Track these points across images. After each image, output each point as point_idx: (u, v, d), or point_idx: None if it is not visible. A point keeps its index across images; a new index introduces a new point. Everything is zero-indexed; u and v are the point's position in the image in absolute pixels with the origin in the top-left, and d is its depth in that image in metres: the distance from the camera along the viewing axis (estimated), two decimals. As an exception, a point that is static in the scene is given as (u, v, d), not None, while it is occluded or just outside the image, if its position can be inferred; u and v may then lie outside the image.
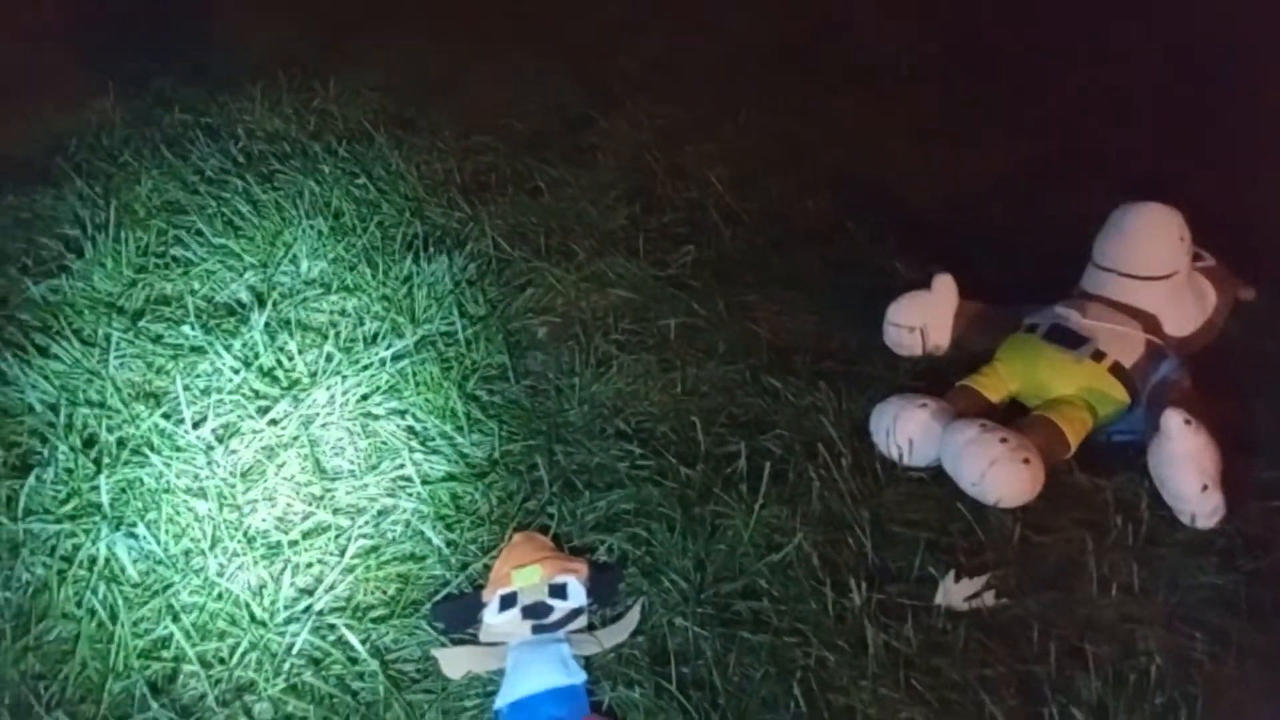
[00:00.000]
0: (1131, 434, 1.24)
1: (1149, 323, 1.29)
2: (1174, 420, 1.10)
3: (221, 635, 1.03)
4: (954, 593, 1.04)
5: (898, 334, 1.40)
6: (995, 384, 1.29)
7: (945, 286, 1.40)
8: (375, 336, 1.50)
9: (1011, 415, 1.24)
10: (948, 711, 0.93)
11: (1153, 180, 1.36)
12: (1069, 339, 1.27)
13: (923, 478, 1.21)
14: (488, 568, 1.12)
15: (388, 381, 1.40)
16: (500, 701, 0.96)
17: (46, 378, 1.38)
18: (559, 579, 1.07)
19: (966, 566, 1.07)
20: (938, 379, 1.33)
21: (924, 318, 1.39)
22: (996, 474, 1.12)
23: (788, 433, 1.27)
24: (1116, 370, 1.24)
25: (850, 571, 1.06)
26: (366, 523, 1.18)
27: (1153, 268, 1.30)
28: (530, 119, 2.15)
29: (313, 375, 1.41)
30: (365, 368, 1.42)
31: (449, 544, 1.15)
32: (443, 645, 1.03)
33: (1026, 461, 1.13)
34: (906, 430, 1.20)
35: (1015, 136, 1.94)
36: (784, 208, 1.80)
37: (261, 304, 1.55)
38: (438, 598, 1.08)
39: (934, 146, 1.93)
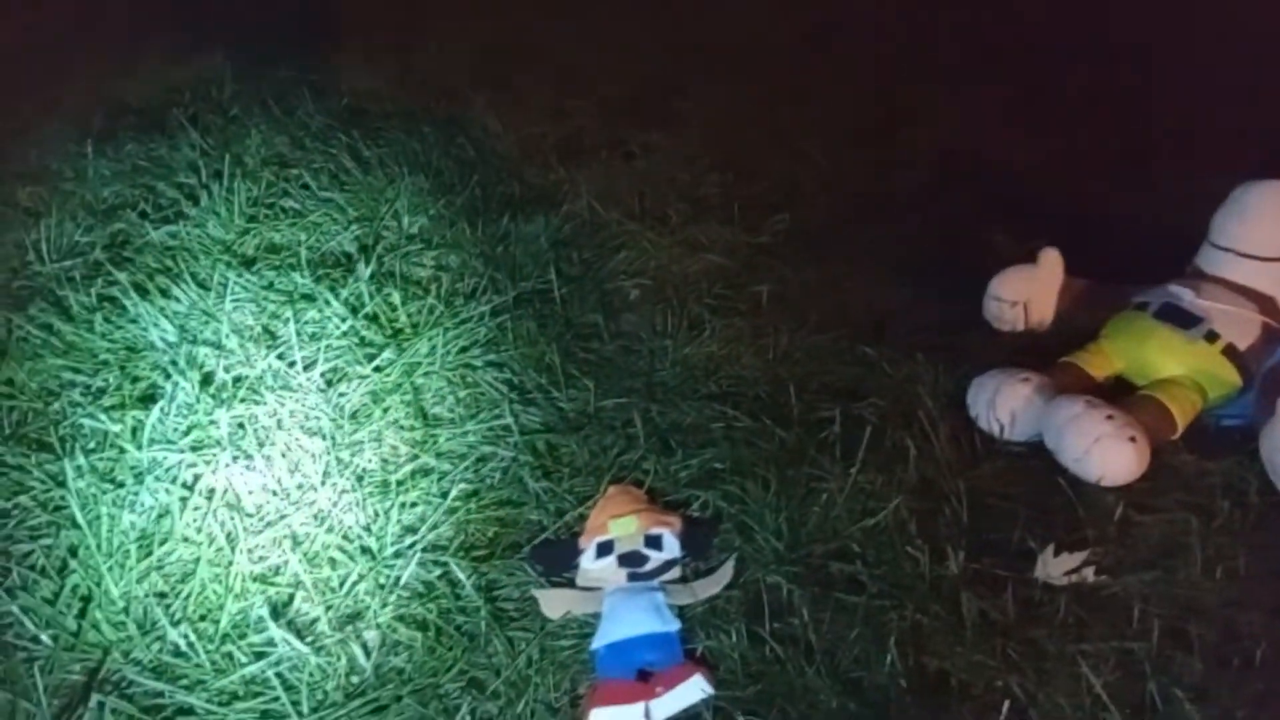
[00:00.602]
0: (1242, 418, 1.21)
1: (1266, 305, 1.25)
2: (1292, 404, 1.07)
3: (333, 564, 1.08)
4: (1053, 566, 1.03)
5: (999, 308, 1.38)
6: (1100, 362, 1.27)
7: (1051, 261, 1.37)
8: (475, 291, 1.53)
9: (1115, 395, 1.22)
10: (1044, 682, 0.92)
11: (1273, 160, 1.31)
12: (1181, 318, 1.24)
13: (1021, 452, 1.20)
14: (583, 516, 1.14)
15: (486, 335, 1.44)
16: (597, 642, 0.99)
17: (167, 317, 1.45)
18: (655, 530, 1.09)
19: (1066, 542, 1.05)
20: (1038, 356, 1.30)
21: (1028, 292, 1.37)
22: (1101, 451, 1.11)
23: (883, 401, 1.26)
24: (1230, 352, 1.21)
25: (946, 540, 1.06)
26: (467, 468, 1.21)
27: (1273, 248, 1.26)
28: (623, 84, 2.17)
29: (415, 326, 1.46)
30: (465, 321, 1.46)
31: (546, 492, 1.18)
32: (542, 587, 1.06)
33: (1132, 440, 1.11)
34: (1008, 404, 1.19)
35: (1128, 114, 1.88)
36: (881, 178, 1.78)
37: (366, 256, 1.59)
38: (536, 541, 1.11)
39: (1042, 122, 1.88)
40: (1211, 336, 1.22)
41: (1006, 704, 0.87)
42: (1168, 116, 1.85)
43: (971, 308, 1.41)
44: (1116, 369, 1.27)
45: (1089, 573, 1.03)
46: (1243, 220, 1.27)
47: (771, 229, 1.66)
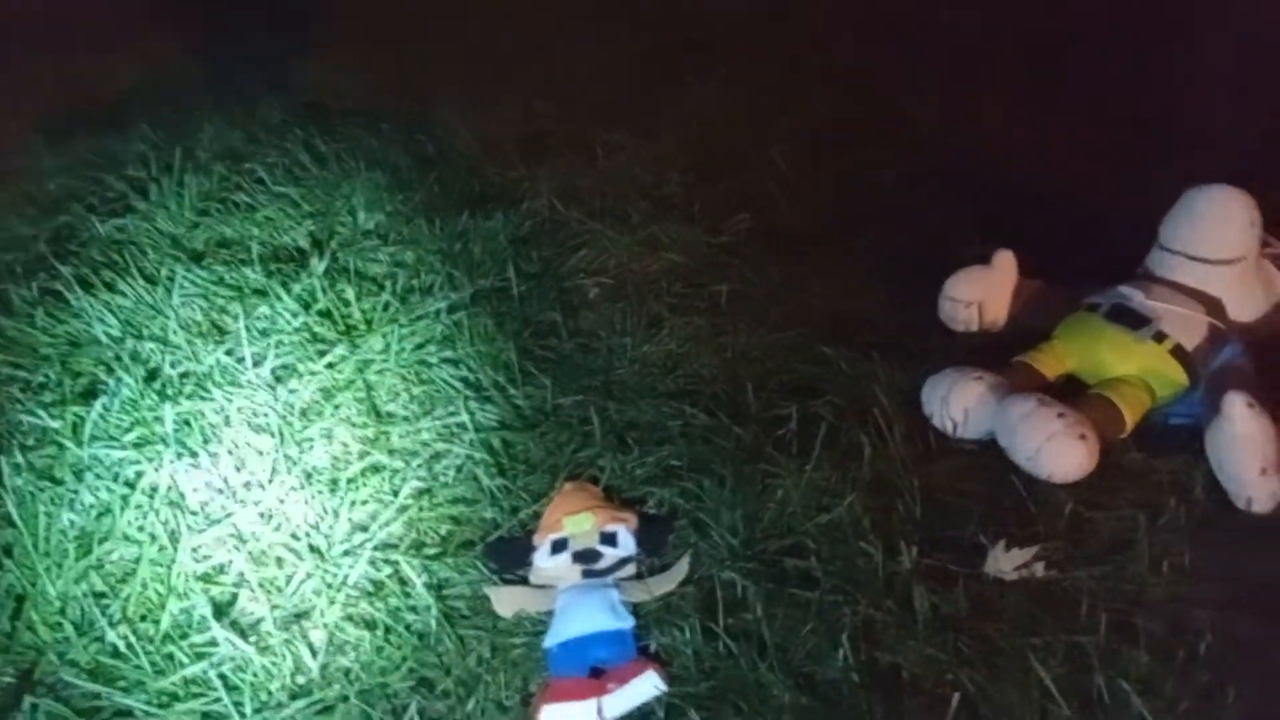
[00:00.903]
0: (1189, 417, 1.22)
1: (1214, 307, 1.27)
2: (1237, 402, 1.08)
3: (279, 563, 1.06)
4: (1003, 561, 1.03)
5: (954, 308, 1.39)
6: (1052, 361, 1.28)
7: (1005, 263, 1.39)
8: (431, 288, 1.52)
9: (1067, 394, 1.23)
10: (994, 675, 0.92)
11: (1224, 165, 1.33)
12: (1131, 319, 1.25)
13: (974, 450, 1.20)
14: (538, 514, 1.13)
15: (442, 332, 1.42)
16: (550, 641, 0.98)
17: (112, 311, 1.42)
18: (610, 527, 1.08)
19: (1017, 537, 1.06)
20: (992, 355, 1.31)
21: (982, 293, 1.38)
22: (1052, 448, 1.12)
23: (839, 399, 1.27)
24: (1178, 352, 1.23)
25: (900, 535, 1.06)
26: (420, 465, 1.20)
27: (1221, 251, 1.28)
28: (588, 84, 2.16)
29: (369, 322, 1.44)
30: (421, 318, 1.44)
31: (501, 489, 1.16)
32: (494, 584, 1.05)
33: (1083, 438, 1.12)
34: (961, 402, 1.20)
35: (1084, 117, 1.91)
36: (843, 182, 1.79)
37: (320, 251, 1.57)
38: (490, 539, 1.10)
39: (1001, 126, 1.91)
40: (1160, 337, 1.24)
41: (956, 696, 0.87)
42: (1137, 116, 1.87)
43: (930, 309, 1.42)
44: (1068, 368, 1.29)
45: (1039, 567, 1.04)
46: (1192, 224, 1.29)
47: (733, 229, 1.66)
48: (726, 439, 1.21)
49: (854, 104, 2.03)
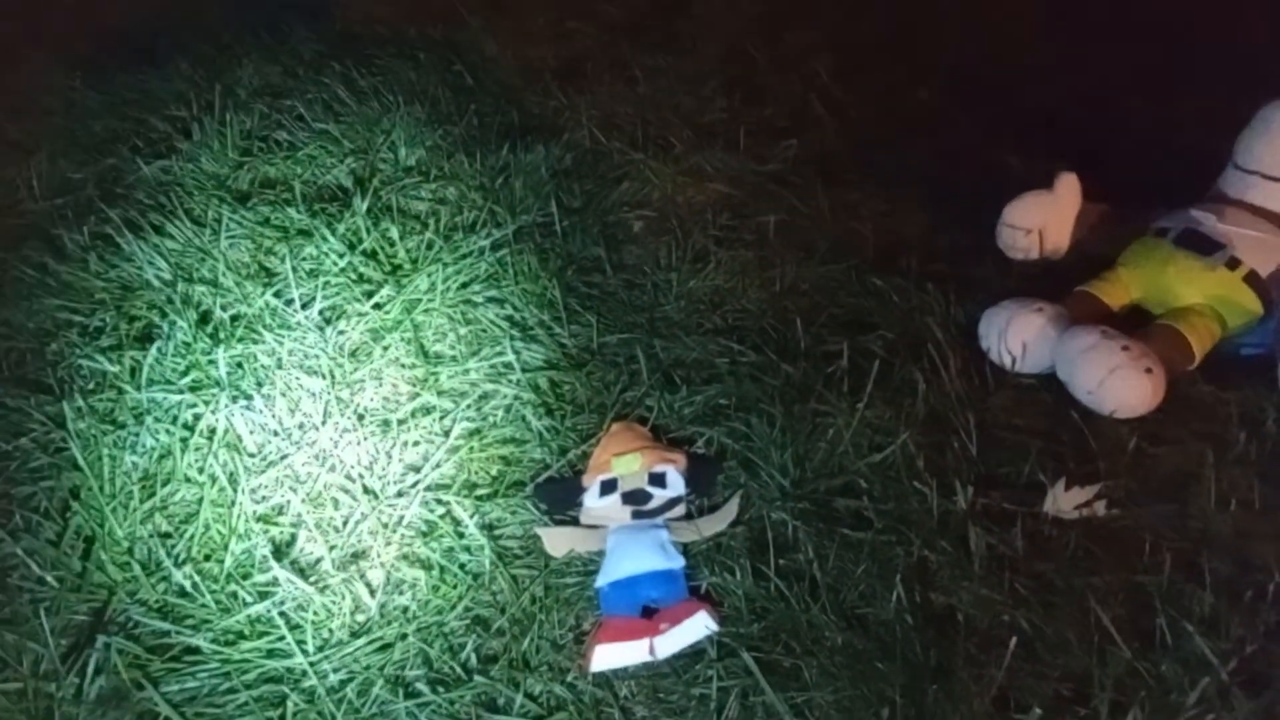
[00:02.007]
0: (1262, 347, 1.17)
1: (1293, 230, 1.21)
2: (1316, 333, 1.03)
3: (335, 504, 1.08)
4: (1063, 500, 1.01)
5: (1013, 236, 1.34)
6: (1117, 290, 1.23)
7: (1068, 186, 1.32)
8: (474, 225, 1.50)
9: (1132, 325, 1.19)
10: (1051, 616, 0.91)
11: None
12: (1202, 244, 1.20)
13: (1033, 384, 1.17)
14: (586, 454, 1.13)
15: (487, 270, 1.41)
16: (601, 580, 0.99)
17: (162, 255, 1.43)
18: (658, 468, 1.08)
19: (1077, 475, 1.04)
20: (1053, 284, 1.27)
21: (1043, 219, 1.32)
22: (1116, 383, 1.08)
23: (891, 334, 1.24)
24: (1252, 279, 1.17)
25: (955, 474, 1.04)
26: (469, 406, 1.20)
27: (1302, 171, 1.21)
28: (624, 4, 2.09)
29: (414, 262, 1.43)
30: (465, 256, 1.43)
31: (549, 429, 1.16)
32: (545, 525, 1.05)
33: (1148, 371, 1.08)
34: (1020, 335, 1.16)
35: (1150, 27, 1.80)
36: (893, 99, 1.72)
37: (362, 190, 1.56)
38: (539, 479, 1.10)
39: (1058, 36, 1.81)
40: (1233, 263, 1.18)
41: (1014, 639, 0.86)
42: (1195, 31, 1.76)
43: (984, 235, 1.37)
44: (1134, 298, 1.23)
45: (1100, 506, 1.01)
46: (1270, 141, 1.22)
47: (779, 156, 1.61)
48: (775, 377, 1.19)
49: (896, 13, 1.94)
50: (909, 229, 1.43)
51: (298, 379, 1.22)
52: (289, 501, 1.08)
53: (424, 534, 1.05)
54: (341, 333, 1.30)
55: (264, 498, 1.09)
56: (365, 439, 1.15)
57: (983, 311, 1.22)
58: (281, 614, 0.96)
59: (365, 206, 1.51)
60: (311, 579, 1.00)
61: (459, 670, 0.92)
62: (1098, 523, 1.00)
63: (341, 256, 1.42)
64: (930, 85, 1.71)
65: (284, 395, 1.20)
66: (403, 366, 1.26)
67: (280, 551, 1.03)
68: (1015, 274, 1.33)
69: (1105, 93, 1.64)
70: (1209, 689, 0.84)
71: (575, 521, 1.07)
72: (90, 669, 0.92)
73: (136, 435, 1.16)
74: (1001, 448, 1.08)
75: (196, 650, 0.95)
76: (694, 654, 0.92)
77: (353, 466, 1.12)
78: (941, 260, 1.36)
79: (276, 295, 1.34)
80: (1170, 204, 1.27)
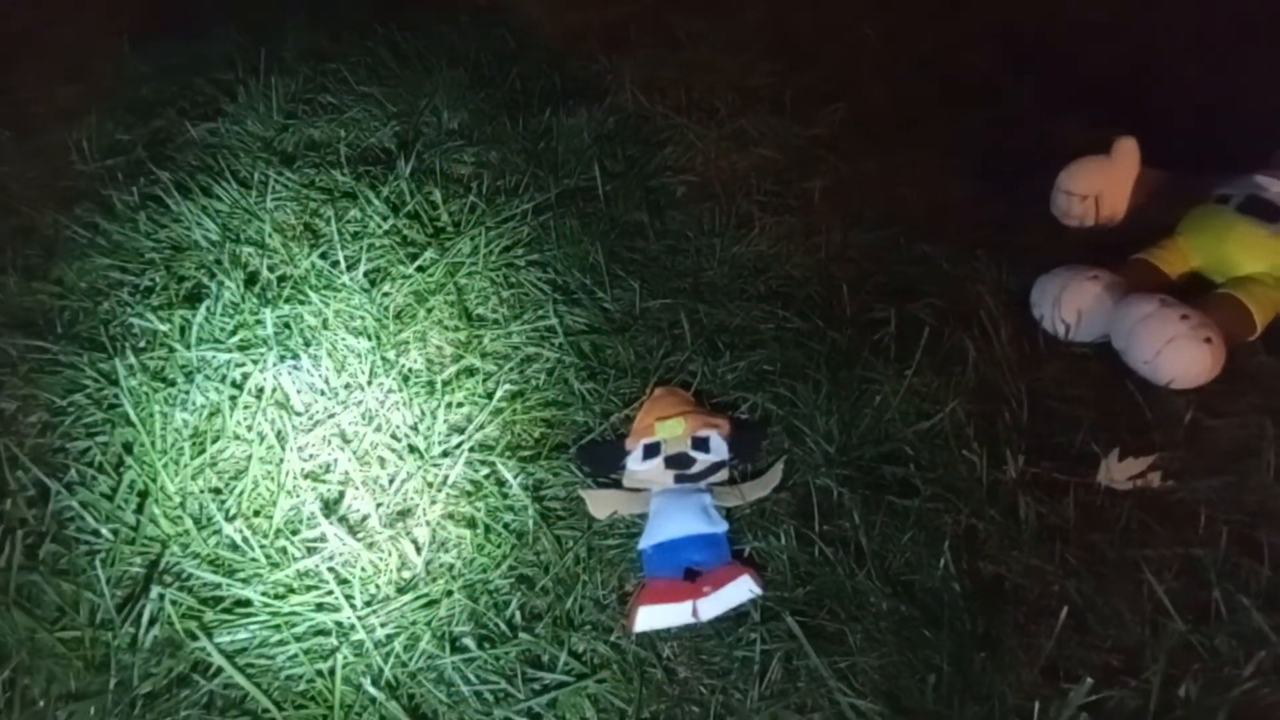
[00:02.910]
0: (1327, 319, 1.14)
1: (1362, 198, 1.16)
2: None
3: (382, 463, 1.09)
4: (1117, 471, 0.99)
5: (1068, 202, 1.30)
6: (1175, 259, 1.20)
7: (1127, 152, 1.29)
8: (516, 189, 1.49)
9: (1191, 294, 1.15)
10: (1103, 587, 0.90)
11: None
12: (1266, 211, 1.16)
13: (1086, 353, 1.15)
14: (629, 418, 1.13)
15: (529, 234, 1.40)
16: (644, 542, 0.99)
17: (210, 216, 1.44)
18: (702, 432, 1.07)
19: (1131, 446, 1.01)
20: (1108, 252, 1.24)
21: (1100, 185, 1.29)
22: (1174, 352, 1.05)
23: (940, 301, 1.21)
24: (1319, 248, 1.13)
25: (1005, 443, 1.02)
26: (512, 369, 1.20)
27: (1376, 135, 1.16)
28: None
29: (457, 225, 1.43)
30: (507, 220, 1.43)
31: (591, 393, 1.16)
32: (588, 487, 1.06)
33: (1208, 341, 1.05)
34: (1075, 303, 1.13)
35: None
36: (943, 63, 1.68)
37: (406, 153, 1.56)
38: (583, 442, 1.11)
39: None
40: (1299, 231, 1.14)
41: (1065, 610, 0.85)
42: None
43: (1038, 201, 1.34)
44: (1193, 266, 1.20)
45: (1155, 478, 0.99)
46: (1343, 104, 1.17)
47: (825, 120, 1.58)
48: (821, 343, 1.18)
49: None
50: (959, 195, 1.40)
51: (344, 339, 1.23)
52: (336, 460, 1.09)
53: (468, 494, 1.05)
54: (386, 294, 1.30)
55: (311, 455, 1.11)
56: (410, 400, 1.15)
57: (1035, 279, 1.19)
58: (330, 569, 0.98)
59: (409, 170, 1.51)
60: (359, 535, 1.02)
61: (504, 627, 0.93)
62: (1152, 494, 0.98)
63: (385, 219, 1.43)
64: (982, 49, 1.67)
65: (330, 355, 1.21)
66: (446, 329, 1.26)
67: (328, 508, 1.05)
68: (1069, 241, 1.29)
69: (1165, 57, 1.58)
70: (1264, 663, 0.82)
71: (618, 484, 1.07)
72: (145, 619, 0.95)
73: (187, 393, 1.18)
74: (1054, 417, 1.06)
75: (247, 603, 0.96)
76: (737, 617, 0.92)
77: (398, 426, 1.12)
78: (992, 227, 1.33)
79: (322, 257, 1.35)
80: (1231, 170, 1.23)
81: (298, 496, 1.06)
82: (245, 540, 1.01)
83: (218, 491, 1.08)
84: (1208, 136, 1.35)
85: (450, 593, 0.96)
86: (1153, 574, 0.90)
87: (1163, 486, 0.99)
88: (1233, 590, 0.88)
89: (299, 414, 1.15)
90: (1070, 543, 0.93)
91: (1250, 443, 1.03)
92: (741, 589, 0.92)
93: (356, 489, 1.06)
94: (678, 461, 1.06)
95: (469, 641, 0.91)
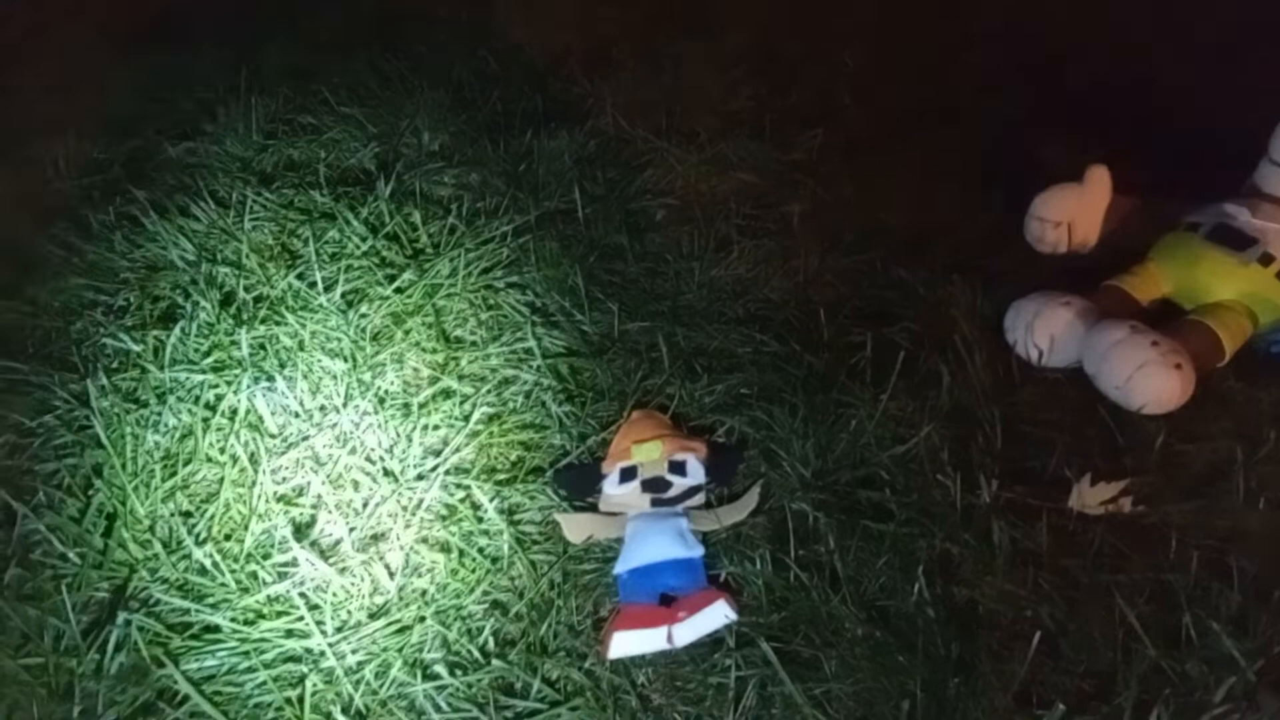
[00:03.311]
0: (1295, 346, 1.15)
1: (1328, 227, 1.18)
2: (1352, 331, 1.01)
3: (355, 486, 1.08)
4: (1089, 496, 1.00)
5: (1041, 229, 1.32)
6: (1146, 285, 1.21)
7: (1098, 179, 1.30)
8: (496, 211, 1.49)
9: (1161, 320, 1.17)
10: (1075, 612, 0.90)
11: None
12: (1235, 240, 1.17)
13: (1059, 379, 1.15)
14: (606, 441, 1.12)
15: (509, 256, 1.40)
16: (620, 568, 0.98)
17: (186, 236, 1.43)
18: (679, 456, 1.07)
19: (1104, 471, 1.02)
20: (1081, 278, 1.25)
21: (1072, 212, 1.30)
22: (1145, 378, 1.06)
23: (916, 326, 1.22)
24: (1286, 276, 1.15)
25: (979, 468, 1.03)
26: (489, 391, 1.20)
27: (1341, 166, 1.18)
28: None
29: (436, 246, 1.43)
30: (487, 241, 1.43)
31: (569, 416, 1.16)
32: (564, 511, 1.05)
33: (1178, 367, 1.07)
34: (1047, 328, 1.14)
35: (1185, 14, 1.76)
36: (921, 87, 1.70)
37: (386, 174, 1.56)
38: (559, 465, 1.10)
39: (1089, 21, 1.78)
40: (1267, 259, 1.16)
41: (1037, 634, 0.85)
42: (1254, 13, 1.72)
43: (1012, 225, 1.36)
44: (1164, 292, 1.22)
45: (1126, 503, 1.00)
46: (1307, 135, 1.19)
47: (805, 145, 1.59)
48: (798, 367, 1.18)
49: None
50: (936, 220, 1.41)
51: (319, 361, 1.23)
52: (309, 483, 1.08)
53: (443, 518, 1.05)
54: (363, 316, 1.30)
55: (284, 479, 1.10)
56: (386, 422, 1.15)
57: (1010, 304, 1.20)
58: (301, 594, 0.97)
59: (388, 191, 1.51)
60: (331, 560, 1.01)
61: (477, 654, 0.92)
62: (1124, 519, 0.99)
63: (364, 240, 1.42)
64: (964, 71, 1.69)
65: (306, 377, 1.20)
66: (423, 350, 1.26)
67: (300, 532, 1.04)
68: (1044, 267, 1.31)
69: (1137, 77, 1.61)
70: (1235, 688, 0.83)
71: (594, 508, 1.06)
72: (111, 645, 0.93)
73: (159, 414, 1.17)
74: (1027, 442, 1.07)
75: (216, 629, 0.95)
76: (712, 643, 0.92)
77: (373, 449, 1.12)
78: (967, 251, 1.34)
79: (299, 278, 1.35)
80: (1203, 198, 1.25)
81: (270, 520, 1.05)
82: (215, 565, 1.00)
83: (188, 515, 1.07)
84: (1186, 162, 1.37)
85: (423, 618, 0.95)
86: (1124, 599, 0.90)
87: (1134, 511, 0.99)
88: (1203, 615, 0.89)
89: (273, 436, 1.14)
90: (1044, 568, 0.94)
91: (1221, 467, 1.04)
92: (717, 614, 0.92)
93: (329, 512, 1.05)
94: (654, 485, 1.05)
95: (440, 669, 0.90)
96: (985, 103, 1.62)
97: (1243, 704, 0.82)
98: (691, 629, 0.92)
